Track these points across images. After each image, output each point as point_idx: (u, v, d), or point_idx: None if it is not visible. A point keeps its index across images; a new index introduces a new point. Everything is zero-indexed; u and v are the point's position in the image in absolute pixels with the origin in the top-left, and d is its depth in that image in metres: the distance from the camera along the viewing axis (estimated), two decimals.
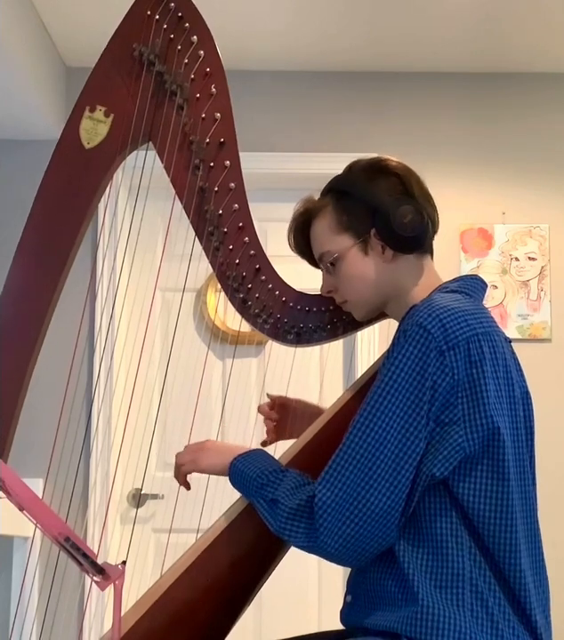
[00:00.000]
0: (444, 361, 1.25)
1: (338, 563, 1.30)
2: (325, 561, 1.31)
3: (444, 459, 1.25)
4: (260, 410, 1.71)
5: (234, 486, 1.41)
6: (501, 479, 1.27)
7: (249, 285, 1.52)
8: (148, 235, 2.08)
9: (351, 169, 1.48)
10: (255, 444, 1.43)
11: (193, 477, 1.78)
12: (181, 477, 1.49)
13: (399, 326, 1.38)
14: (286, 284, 1.54)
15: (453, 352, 1.25)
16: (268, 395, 1.71)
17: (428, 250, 1.46)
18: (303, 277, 1.67)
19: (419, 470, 1.25)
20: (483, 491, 1.26)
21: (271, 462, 1.40)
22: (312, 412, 1.68)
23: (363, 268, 1.44)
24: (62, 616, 2.73)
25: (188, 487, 1.51)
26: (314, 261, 1.53)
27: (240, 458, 1.40)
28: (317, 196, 1.51)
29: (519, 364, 1.38)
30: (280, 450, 1.52)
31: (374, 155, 1.52)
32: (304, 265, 1.60)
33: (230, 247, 1.51)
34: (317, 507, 1.26)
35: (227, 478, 1.42)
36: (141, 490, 3.17)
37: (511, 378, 1.32)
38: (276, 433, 1.71)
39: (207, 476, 1.43)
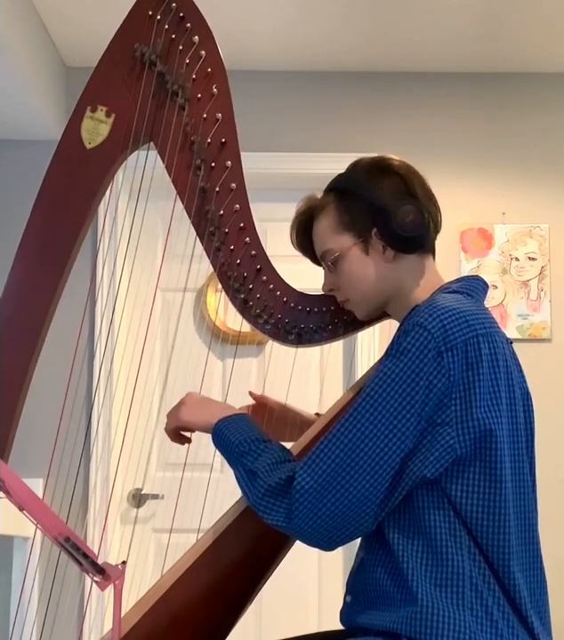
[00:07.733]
0: (441, 362, 1.24)
1: (309, 544, 1.30)
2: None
3: (435, 460, 1.25)
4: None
5: (216, 448, 1.41)
6: (493, 481, 1.26)
7: (250, 286, 1.52)
8: (148, 235, 2.08)
9: (354, 167, 1.48)
10: None
11: (193, 477, 1.79)
12: (170, 435, 1.50)
13: (401, 326, 1.39)
14: (286, 284, 1.54)
15: (450, 353, 1.25)
16: (250, 393, 1.71)
17: (430, 250, 1.46)
18: (304, 277, 1.67)
19: (405, 467, 1.25)
20: (475, 492, 1.26)
21: (254, 430, 1.39)
22: (292, 418, 1.67)
23: (364, 268, 1.44)
24: (62, 616, 2.73)
25: (182, 442, 1.50)
26: (316, 259, 1.53)
27: (224, 421, 1.40)
28: (319, 195, 1.51)
29: (519, 365, 1.38)
30: None
31: (375, 155, 1.52)
32: (304, 265, 1.60)
33: (231, 248, 1.51)
34: (295, 490, 1.26)
35: (227, 480, 1.42)
36: (142, 490, 3.16)
37: (512, 379, 1.31)
38: None
39: (208, 476, 1.43)
